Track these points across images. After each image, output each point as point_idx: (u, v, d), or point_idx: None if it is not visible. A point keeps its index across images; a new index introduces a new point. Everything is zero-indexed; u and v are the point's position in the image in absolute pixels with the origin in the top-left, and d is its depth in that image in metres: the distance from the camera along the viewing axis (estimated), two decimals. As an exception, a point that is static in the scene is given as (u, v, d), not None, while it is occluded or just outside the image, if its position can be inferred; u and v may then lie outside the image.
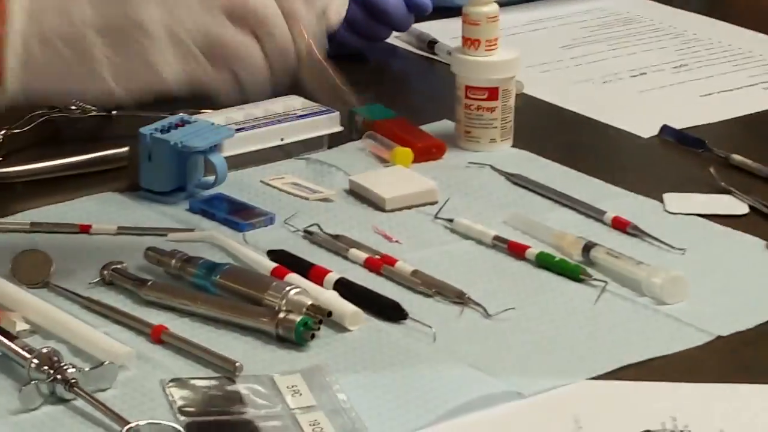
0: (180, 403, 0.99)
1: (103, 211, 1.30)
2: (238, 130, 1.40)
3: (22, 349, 1.00)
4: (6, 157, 1.44)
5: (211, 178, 1.34)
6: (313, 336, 1.07)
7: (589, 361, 1.06)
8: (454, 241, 1.26)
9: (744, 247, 1.27)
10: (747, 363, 1.07)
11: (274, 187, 1.36)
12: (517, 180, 1.36)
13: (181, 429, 0.95)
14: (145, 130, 1.34)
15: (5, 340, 1.03)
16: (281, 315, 1.08)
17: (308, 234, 1.26)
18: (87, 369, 0.99)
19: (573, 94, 1.62)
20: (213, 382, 1.03)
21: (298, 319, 1.07)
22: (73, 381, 0.97)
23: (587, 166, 1.42)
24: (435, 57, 1.70)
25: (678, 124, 1.51)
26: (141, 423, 0.95)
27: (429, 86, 1.70)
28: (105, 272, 1.16)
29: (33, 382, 0.98)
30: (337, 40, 1.61)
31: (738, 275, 1.22)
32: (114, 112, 1.51)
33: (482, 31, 1.43)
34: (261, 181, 1.38)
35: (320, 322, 1.08)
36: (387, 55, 1.76)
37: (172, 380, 1.00)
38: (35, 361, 0.98)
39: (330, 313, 1.09)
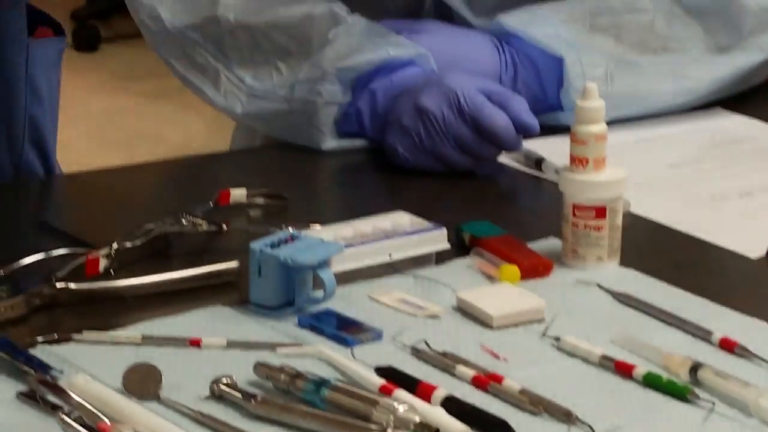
0: None
1: (213, 325, 1.31)
2: (346, 246, 1.38)
3: None
4: (117, 271, 1.43)
5: (320, 294, 1.33)
6: None
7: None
8: (561, 359, 1.24)
9: None
10: None
11: (382, 303, 1.35)
12: (624, 299, 1.34)
13: None
14: (256, 245, 1.34)
15: None
16: None
17: (416, 351, 1.24)
18: None
19: (680, 213, 1.61)
20: None
21: None
22: None
23: (695, 285, 1.38)
24: (542, 175, 1.68)
25: None
26: None
27: (536, 204, 1.68)
28: (215, 386, 1.16)
29: None
30: (447, 159, 1.69)
31: None
32: (224, 227, 1.51)
33: (590, 150, 1.42)
34: (369, 297, 1.36)
35: None
36: (495, 171, 1.73)
37: None
38: None
39: (438, 431, 1.08)
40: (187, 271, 1.40)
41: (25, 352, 1.21)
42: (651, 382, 1.15)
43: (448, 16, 1.96)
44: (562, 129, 1.66)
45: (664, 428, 1.11)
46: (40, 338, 1.26)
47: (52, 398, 1.13)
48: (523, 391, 1.12)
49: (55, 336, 1.26)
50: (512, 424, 1.07)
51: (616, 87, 1.88)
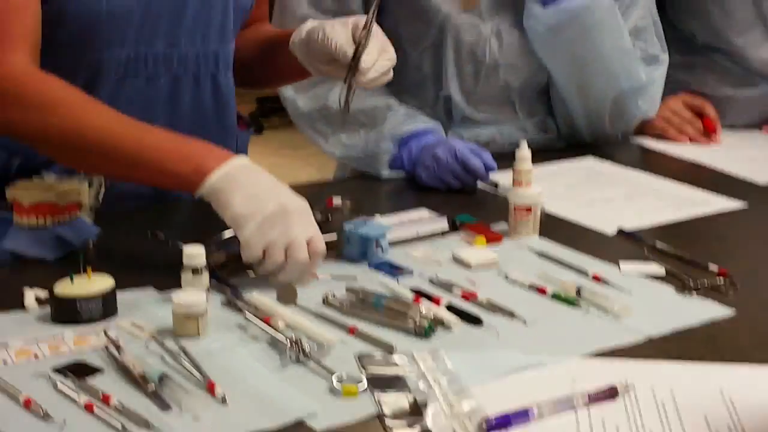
0: (364, 363, 1.15)
1: (324, 268, 1.41)
2: (394, 226, 1.54)
3: (284, 336, 1.18)
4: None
5: (380, 252, 1.46)
6: (432, 332, 1.23)
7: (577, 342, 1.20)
8: (508, 286, 1.39)
9: (662, 291, 1.39)
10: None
11: (413, 257, 1.48)
12: (542, 255, 1.50)
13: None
14: (346, 226, 1.48)
15: (273, 330, 1.21)
16: (417, 322, 1.23)
17: (431, 280, 1.39)
18: (315, 347, 1.17)
19: (571, 210, 1.72)
20: (380, 355, 1.18)
21: (426, 324, 1.23)
22: (307, 352, 1.15)
23: (578, 247, 1.54)
24: (498, 192, 1.78)
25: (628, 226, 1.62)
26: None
27: (495, 206, 1.71)
28: (325, 298, 1.31)
29: (288, 353, 1.16)
30: (448, 183, 1.80)
31: (659, 305, 1.34)
32: (329, 217, 1.57)
33: (523, 177, 1.59)
34: (406, 253, 1.49)
35: (436, 325, 1.23)
36: (473, 190, 1.83)
37: (360, 355, 1.17)
38: (288, 342, 1.17)
39: (443, 322, 1.25)
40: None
41: (226, 279, 1.37)
42: (556, 297, 1.34)
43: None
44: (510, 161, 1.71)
45: (563, 321, 1.29)
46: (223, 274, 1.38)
47: (239, 304, 1.30)
48: (488, 302, 1.32)
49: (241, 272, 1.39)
50: (483, 319, 1.27)
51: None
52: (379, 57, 1.44)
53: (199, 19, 1.54)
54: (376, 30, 1.44)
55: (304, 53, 1.51)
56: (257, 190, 1.32)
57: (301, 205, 1.33)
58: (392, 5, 1.87)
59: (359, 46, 1.41)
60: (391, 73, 1.48)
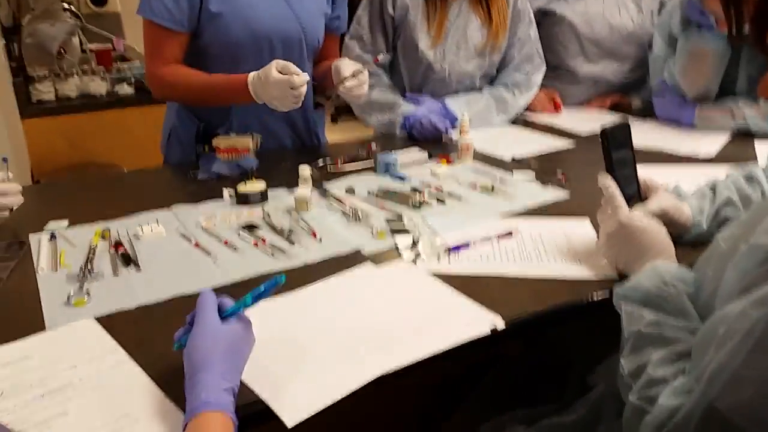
0: (388, 221, 1.12)
1: (366, 179, 1.34)
2: (401, 156, 1.41)
3: (348, 209, 1.15)
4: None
5: (393, 168, 1.37)
6: (420, 207, 1.15)
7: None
8: (459, 185, 1.30)
9: (534, 185, 1.29)
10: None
11: (410, 171, 1.38)
12: (475, 170, 1.39)
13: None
14: (377, 156, 1.37)
15: (343, 206, 1.16)
16: (413, 202, 1.18)
17: (420, 183, 1.32)
18: (364, 214, 1.13)
19: (488, 147, 1.57)
20: (395, 216, 1.13)
21: (418, 203, 1.17)
22: (360, 217, 1.11)
23: (494, 165, 1.43)
24: (452, 139, 1.62)
25: (517, 154, 1.50)
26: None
27: (451, 146, 1.58)
28: (368, 191, 1.24)
29: (350, 217, 1.12)
30: (425, 137, 1.65)
31: (533, 192, 1.25)
32: (369, 153, 1.48)
33: (465, 130, 1.48)
34: (407, 170, 1.39)
35: (422, 204, 1.17)
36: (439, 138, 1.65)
37: (386, 218, 1.11)
38: (350, 212, 1.14)
39: (426, 202, 1.18)
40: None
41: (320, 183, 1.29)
42: (483, 188, 1.26)
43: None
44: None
45: (485, 201, 1.20)
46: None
47: (326, 194, 1.25)
48: (447, 192, 1.24)
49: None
50: (445, 201, 1.21)
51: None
52: (354, 84, 1.38)
53: (286, 54, 1.43)
54: (363, 73, 1.40)
55: (334, 75, 1.43)
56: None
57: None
58: (400, 58, 1.78)
59: (350, 75, 1.37)
60: (364, 90, 1.40)
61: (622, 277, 0.85)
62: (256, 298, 0.65)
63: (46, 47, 2.66)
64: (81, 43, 2.98)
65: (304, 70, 1.27)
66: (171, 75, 1.35)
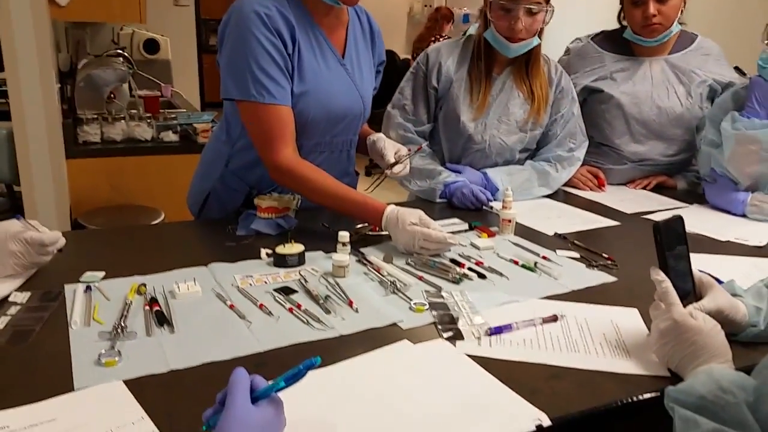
0: (427, 295, 1.10)
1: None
2: (443, 227, 1.36)
3: (387, 279, 1.13)
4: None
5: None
6: (461, 281, 1.15)
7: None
8: (498, 260, 1.29)
9: (577, 266, 1.27)
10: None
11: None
12: (517, 244, 1.39)
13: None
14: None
15: (380, 276, 1.14)
16: (453, 275, 1.17)
17: (460, 255, 1.31)
18: (402, 285, 1.12)
19: (534, 222, 1.56)
20: (434, 291, 1.12)
21: (458, 277, 1.16)
22: (398, 288, 1.10)
23: (535, 241, 1.41)
24: (494, 211, 1.63)
25: (560, 231, 1.49)
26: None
27: (491, 218, 1.60)
28: (407, 260, 1.24)
29: (389, 288, 1.10)
30: (465, 206, 1.66)
31: (576, 273, 1.23)
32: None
33: (507, 204, 1.47)
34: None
35: (463, 278, 1.17)
36: (482, 210, 1.66)
37: (424, 291, 1.11)
38: (389, 282, 1.12)
39: (466, 275, 1.18)
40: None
41: (358, 248, 1.30)
42: (524, 266, 1.26)
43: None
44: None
45: (527, 279, 1.18)
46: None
47: (365, 261, 1.24)
48: (488, 267, 1.24)
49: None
50: (486, 275, 1.19)
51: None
52: (401, 168, 1.48)
53: (346, 127, 1.50)
54: (406, 158, 1.47)
55: (371, 148, 1.52)
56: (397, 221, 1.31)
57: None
58: (441, 129, 1.80)
59: (396, 162, 1.46)
60: (408, 170, 1.49)
61: (675, 374, 0.82)
62: (289, 381, 0.63)
63: (97, 91, 2.78)
64: (131, 89, 3.12)
65: (355, 141, 1.39)
66: (308, 168, 1.36)
